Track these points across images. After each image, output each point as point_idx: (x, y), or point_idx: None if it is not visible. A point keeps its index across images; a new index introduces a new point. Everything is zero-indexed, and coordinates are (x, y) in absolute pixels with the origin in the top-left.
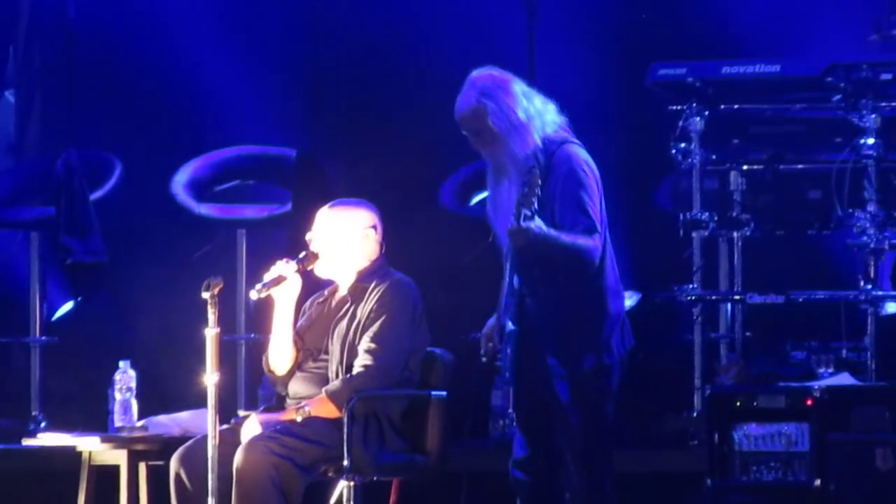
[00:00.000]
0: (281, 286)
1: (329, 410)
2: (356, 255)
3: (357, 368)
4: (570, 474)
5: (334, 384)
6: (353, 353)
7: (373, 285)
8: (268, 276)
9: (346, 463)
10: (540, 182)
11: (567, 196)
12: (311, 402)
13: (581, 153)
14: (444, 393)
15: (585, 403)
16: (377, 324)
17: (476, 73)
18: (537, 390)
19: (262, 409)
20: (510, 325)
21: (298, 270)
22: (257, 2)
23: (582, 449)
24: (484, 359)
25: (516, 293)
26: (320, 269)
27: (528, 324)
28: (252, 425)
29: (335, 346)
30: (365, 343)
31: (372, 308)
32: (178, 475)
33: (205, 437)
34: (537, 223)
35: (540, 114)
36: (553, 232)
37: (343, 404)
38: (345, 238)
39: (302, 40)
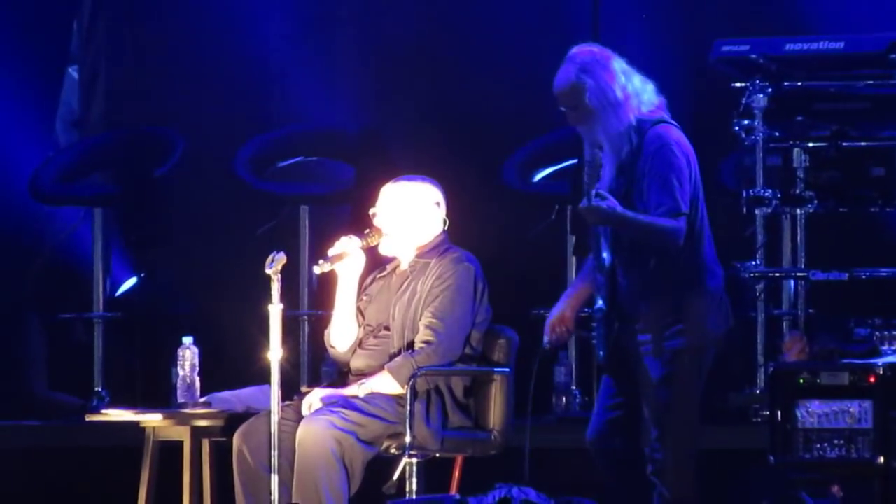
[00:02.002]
0: (345, 261)
1: (391, 386)
2: (419, 230)
3: (418, 344)
4: (655, 449)
5: (396, 361)
6: (414, 329)
7: (434, 261)
8: (332, 252)
9: (408, 439)
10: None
11: (654, 176)
12: (372, 378)
13: (674, 133)
14: (507, 369)
15: (675, 382)
16: (438, 299)
17: (576, 49)
18: (629, 368)
19: (324, 384)
20: (600, 303)
21: (362, 246)
22: None
23: (669, 426)
24: (548, 346)
25: (607, 270)
26: (384, 247)
27: (619, 301)
28: (313, 400)
29: (396, 322)
30: (426, 318)
31: (433, 283)
32: (240, 451)
33: (267, 414)
34: (609, 202)
35: (638, 93)
36: (629, 213)
37: (405, 380)
38: (409, 213)
39: (366, 17)
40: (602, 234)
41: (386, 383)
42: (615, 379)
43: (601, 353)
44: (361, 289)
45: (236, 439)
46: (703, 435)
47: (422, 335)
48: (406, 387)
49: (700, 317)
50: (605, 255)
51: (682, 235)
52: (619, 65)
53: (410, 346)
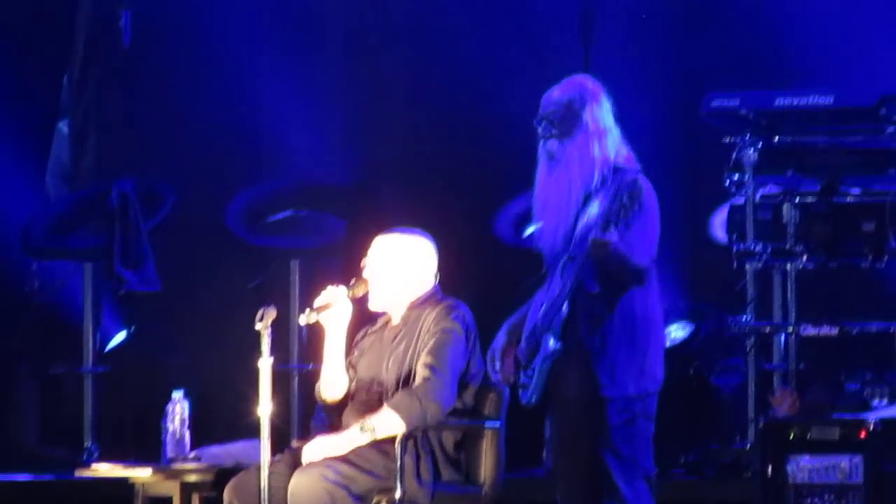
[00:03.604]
0: (331, 311)
1: (394, 424)
2: (411, 283)
3: (418, 380)
4: (611, 497)
5: (396, 396)
6: (409, 379)
7: (428, 310)
8: (318, 302)
9: (398, 494)
10: (626, 202)
11: (632, 217)
12: (372, 416)
13: (647, 183)
14: (498, 423)
15: (631, 428)
16: (433, 341)
17: (574, 76)
18: (577, 412)
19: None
20: (552, 343)
21: (349, 296)
22: (316, 34)
23: (625, 472)
24: (500, 377)
25: (561, 306)
26: (374, 303)
27: (574, 341)
28: (314, 450)
29: (391, 374)
30: (424, 359)
31: (428, 328)
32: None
33: (258, 467)
34: (613, 235)
35: (615, 135)
36: (624, 248)
37: (407, 414)
38: (400, 266)
39: (358, 73)
40: (561, 273)
41: (388, 420)
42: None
43: (534, 396)
44: (352, 343)
45: (227, 493)
46: (682, 486)
47: (420, 373)
48: (409, 423)
49: (652, 365)
50: (563, 290)
51: (647, 280)
52: (608, 104)
53: None
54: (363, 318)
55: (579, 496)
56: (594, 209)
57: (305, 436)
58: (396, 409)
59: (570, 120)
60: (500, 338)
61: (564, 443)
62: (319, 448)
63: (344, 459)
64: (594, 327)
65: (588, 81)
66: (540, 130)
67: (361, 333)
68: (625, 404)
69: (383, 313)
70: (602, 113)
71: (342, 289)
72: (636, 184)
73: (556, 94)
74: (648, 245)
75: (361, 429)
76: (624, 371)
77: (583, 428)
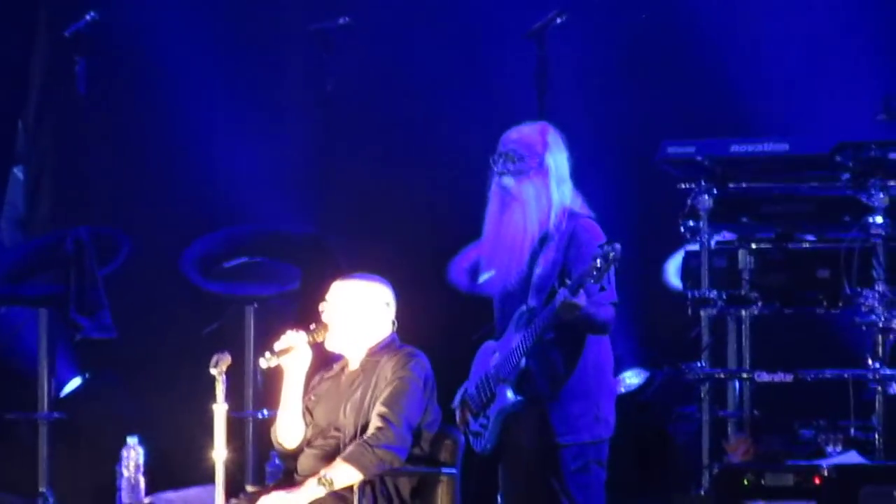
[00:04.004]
0: (291, 356)
1: (351, 475)
2: (369, 329)
3: (371, 430)
4: None
5: (349, 448)
6: (366, 426)
7: (385, 358)
8: (278, 346)
9: None
10: (602, 266)
11: (604, 283)
12: (329, 470)
13: (599, 229)
14: (454, 470)
15: (585, 475)
16: (388, 390)
17: (537, 122)
18: (532, 459)
19: (271, 485)
20: (510, 395)
21: (309, 341)
22: (269, 80)
23: None
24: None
25: (519, 360)
26: (331, 343)
27: (531, 391)
28: (270, 502)
29: (348, 420)
30: (378, 408)
31: (385, 376)
32: None
33: None
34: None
35: (570, 186)
36: (592, 309)
37: (363, 466)
38: (359, 311)
39: (312, 118)
40: (516, 323)
41: (345, 472)
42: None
43: (490, 443)
44: (308, 388)
45: None
46: None
47: (374, 423)
48: (367, 471)
49: (606, 411)
50: (515, 338)
51: (613, 321)
52: (567, 156)
53: None
54: (319, 361)
55: None
56: (550, 255)
57: (260, 482)
58: (350, 460)
59: (530, 160)
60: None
61: (520, 490)
62: (274, 502)
63: None
64: (550, 377)
65: (551, 129)
66: (497, 167)
67: (317, 378)
68: (579, 451)
69: (340, 357)
70: (562, 161)
71: (302, 334)
72: (614, 247)
73: (518, 133)
74: (612, 296)
75: (318, 482)
76: (578, 418)
77: (538, 475)
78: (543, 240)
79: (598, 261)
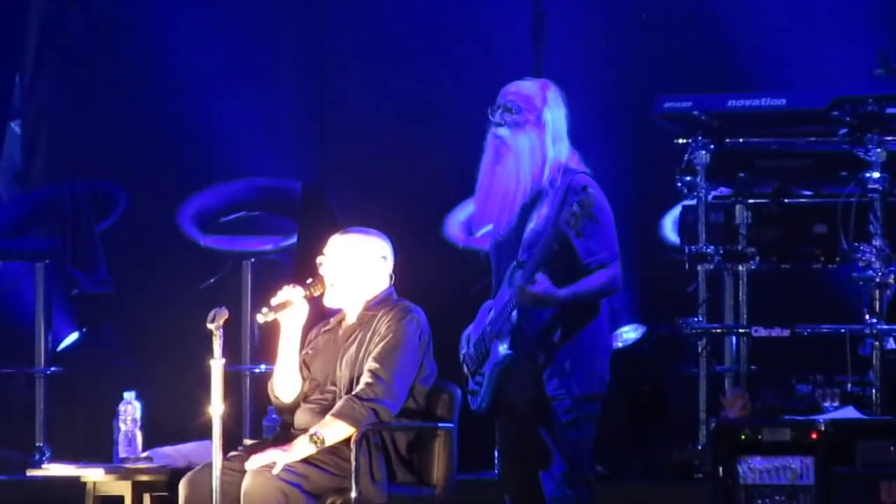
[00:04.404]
0: (288, 311)
1: (342, 430)
2: (366, 283)
3: (360, 386)
4: (556, 498)
5: (339, 404)
6: (361, 378)
7: (382, 313)
8: (275, 300)
9: (353, 494)
10: (577, 210)
11: (585, 223)
12: (320, 427)
13: (597, 189)
14: (451, 424)
15: (576, 430)
16: (381, 345)
17: (539, 78)
18: (525, 413)
19: (268, 438)
20: (504, 349)
21: (306, 296)
22: (265, 34)
23: (568, 474)
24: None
25: (510, 314)
26: (328, 298)
27: (523, 346)
28: (262, 458)
29: (343, 374)
30: (370, 363)
31: (379, 331)
32: (187, 498)
33: (224, 463)
34: (542, 285)
35: (567, 144)
36: (562, 291)
37: (353, 420)
38: (356, 265)
39: (309, 71)
40: (509, 280)
41: (337, 428)
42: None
43: (485, 401)
44: (305, 342)
45: (182, 487)
46: (633, 490)
47: (364, 378)
48: (358, 426)
49: (601, 367)
50: (509, 301)
51: (620, 280)
52: (565, 114)
53: None
54: (320, 313)
55: (528, 497)
56: (544, 211)
57: (258, 436)
58: (341, 416)
59: (527, 113)
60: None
61: (514, 444)
62: (267, 459)
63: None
64: (543, 332)
65: (552, 86)
66: (494, 117)
67: (315, 332)
68: (572, 405)
69: (338, 311)
70: (560, 118)
71: (299, 289)
72: (586, 191)
73: (517, 87)
74: (608, 247)
75: (310, 440)
76: (571, 373)
77: (530, 428)
78: (538, 195)
79: (575, 206)
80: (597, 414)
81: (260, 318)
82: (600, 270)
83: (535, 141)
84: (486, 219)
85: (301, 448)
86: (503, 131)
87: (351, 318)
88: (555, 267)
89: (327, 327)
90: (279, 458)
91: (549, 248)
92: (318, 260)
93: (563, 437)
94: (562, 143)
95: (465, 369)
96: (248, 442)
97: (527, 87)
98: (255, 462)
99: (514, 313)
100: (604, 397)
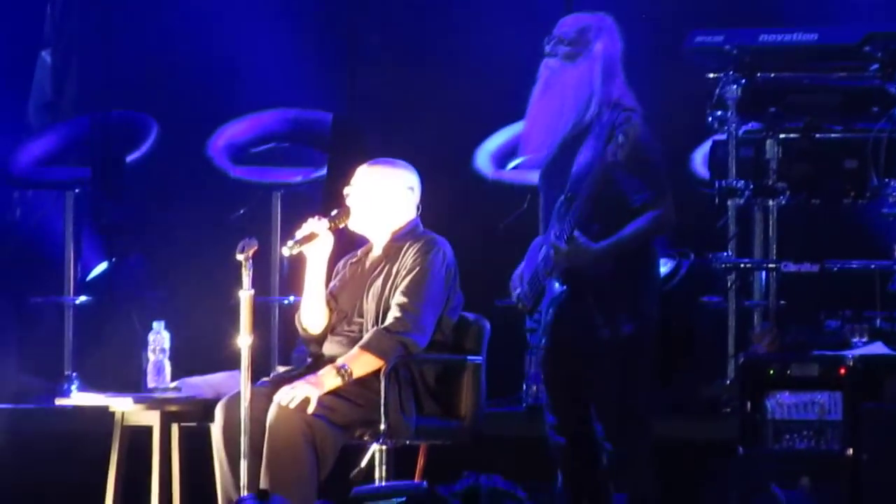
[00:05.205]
0: (313, 243)
1: (370, 363)
2: (393, 214)
3: (389, 320)
4: (608, 436)
5: (367, 336)
6: (388, 312)
7: (408, 244)
8: (299, 233)
9: (383, 427)
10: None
11: (633, 160)
12: (347, 360)
13: (641, 121)
14: (479, 357)
15: (626, 366)
16: (409, 278)
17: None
18: (579, 350)
19: (301, 369)
20: (557, 286)
21: (331, 227)
22: None
23: (620, 411)
24: (520, 304)
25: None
26: (355, 224)
27: (577, 284)
28: (289, 392)
29: (370, 306)
30: (397, 297)
31: (405, 264)
32: (225, 422)
33: (254, 390)
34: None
35: (621, 79)
36: (604, 244)
37: (382, 352)
38: (383, 195)
39: (338, 3)
40: (558, 215)
41: (364, 361)
42: (565, 373)
43: (543, 338)
44: (332, 273)
45: (219, 410)
46: (660, 425)
47: (392, 311)
48: (387, 359)
49: (650, 302)
50: (559, 237)
51: (671, 218)
52: (621, 48)
53: None
54: (348, 242)
55: (575, 433)
56: (591, 145)
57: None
58: (369, 348)
59: (579, 45)
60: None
61: (563, 383)
62: (297, 393)
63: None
64: (594, 270)
65: (609, 20)
66: (547, 47)
67: (342, 262)
68: (621, 343)
69: (365, 241)
70: (614, 52)
71: (324, 221)
72: (629, 121)
73: (574, 18)
74: (655, 183)
75: (337, 373)
76: (622, 310)
77: (581, 368)
78: (585, 130)
79: (620, 137)
80: (647, 350)
81: (285, 252)
82: (648, 212)
83: (584, 74)
84: (529, 148)
85: (328, 381)
86: (553, 62)
87: (377, 249)
88: (602, 206)
89: (354, 259)
90: (305, 390)
91: (596, 183)
92: (345, 191)
93: (615, 375)
94: (613, 79)
95: (521, 307)
96: (281, 369)
97: (584, 18)
98: (284, 395)
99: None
100: (652, 337)
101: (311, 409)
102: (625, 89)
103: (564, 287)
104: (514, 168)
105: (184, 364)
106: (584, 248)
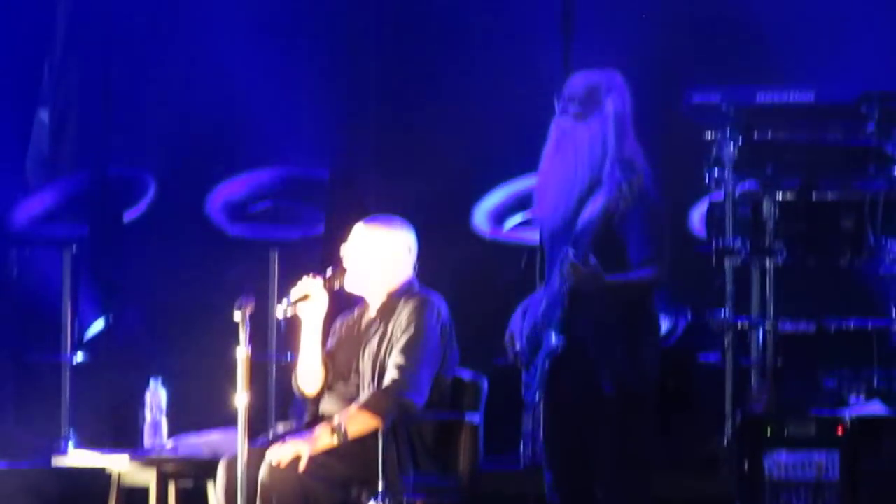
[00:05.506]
0: (308, 303)
1: (367, 422)
2: (390, 274)
3: (387, 381)
4: (607, 492)
5: (365, 396)
6: (384, 371)
7: (402, 301)
8: (294, 293)
9: (381, 485)
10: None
11: (636, 220)
12: (344, 419)
13: (649, 178)
14: (476, 416)
15: (627, 422)
16: (404, 338)
17: (607, 68)
18: (578, 405)
19: (293, 427)
20: (554, 339)
21: (326, 287)
22: (292, 23)
23: (619, 467)
24: (513, 358)
25: (561, 302)
26: (350, 285)
27: (575, 337)
28: (282, 450)
29: (366, 365)
30: (394, 357)
31: (400, 324)
32: (228, 480)
33: (251, 451)
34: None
35: (632, 137)
36: (615, 278)
37: (380, 412)
38: (380, 255)
39: (337, 61)
40: (559, 268)
41: (360, 419)
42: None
43: (536, 392)
44: (328, 332)
45: (222, 469)
46: (658, 482)
47: (390, 372)
48: (383, 418)
49: (652, 360)
50: (560, 289)
51: (664, 279)
52: (630, 105)
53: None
54: (341, 304)
55: (573, 489)
56: (599, 201)
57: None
58: (367, 408)
59: (589, 103)
60: (518, 319)
61: (562, 439)
62: (288, 451)
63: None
64: (595, 322)
65: (619, 77)
66: (559, 107)
67: (339, 323)
68: (621, 399)
69: (360, 299)
70: (625, 109)
71: (318, 280)
72: (635, 171)
73: (584, 76)
74: (654, 241)
75: (332, 432)
76: (622, 367)
77: (580, 424)
78: (594, 186)
79: (624, 186)
80: (648, 409)
81: (280, 313)
82: (646, 266)
83: (597, 133)
84: (542, 208)
85: (322, 439)
86: (565, 121)
87: (373, 308)
88: (603, 255)
89: (350, 318)
90: (301, 449)
91: (598, 232)
92: (342, 249)
93: (615, 433)
94: (625, 137)
95: (518, 364)
96: (279, 426)
97: (592, 77)
98: (275, 454)
99: (566, 303)
100: (653, 393)
101: (301, 466)
102: (636, 147)
103: (562, 339)
104: (513, 227)
105: (181, 422)
106: (598, 274)
